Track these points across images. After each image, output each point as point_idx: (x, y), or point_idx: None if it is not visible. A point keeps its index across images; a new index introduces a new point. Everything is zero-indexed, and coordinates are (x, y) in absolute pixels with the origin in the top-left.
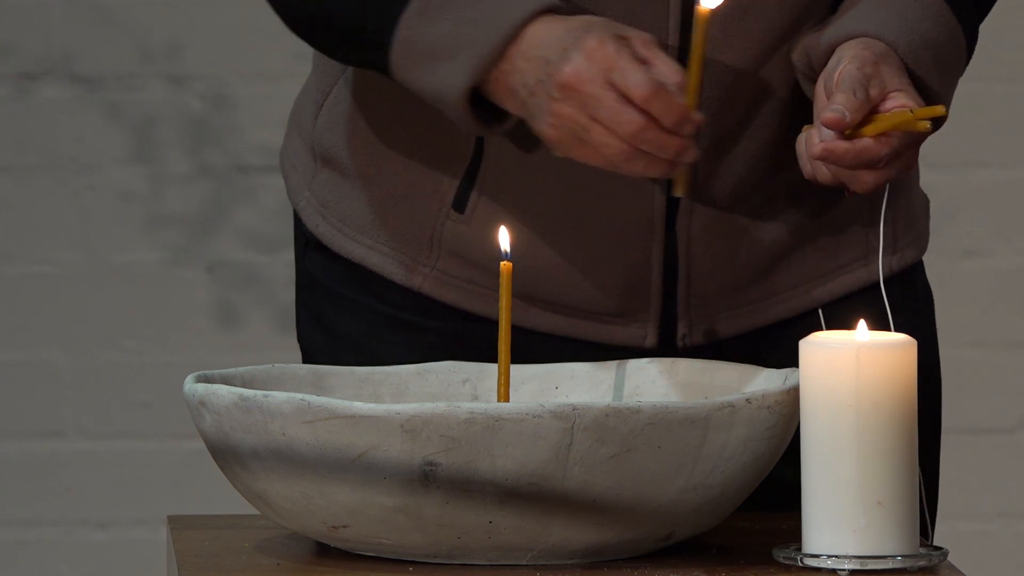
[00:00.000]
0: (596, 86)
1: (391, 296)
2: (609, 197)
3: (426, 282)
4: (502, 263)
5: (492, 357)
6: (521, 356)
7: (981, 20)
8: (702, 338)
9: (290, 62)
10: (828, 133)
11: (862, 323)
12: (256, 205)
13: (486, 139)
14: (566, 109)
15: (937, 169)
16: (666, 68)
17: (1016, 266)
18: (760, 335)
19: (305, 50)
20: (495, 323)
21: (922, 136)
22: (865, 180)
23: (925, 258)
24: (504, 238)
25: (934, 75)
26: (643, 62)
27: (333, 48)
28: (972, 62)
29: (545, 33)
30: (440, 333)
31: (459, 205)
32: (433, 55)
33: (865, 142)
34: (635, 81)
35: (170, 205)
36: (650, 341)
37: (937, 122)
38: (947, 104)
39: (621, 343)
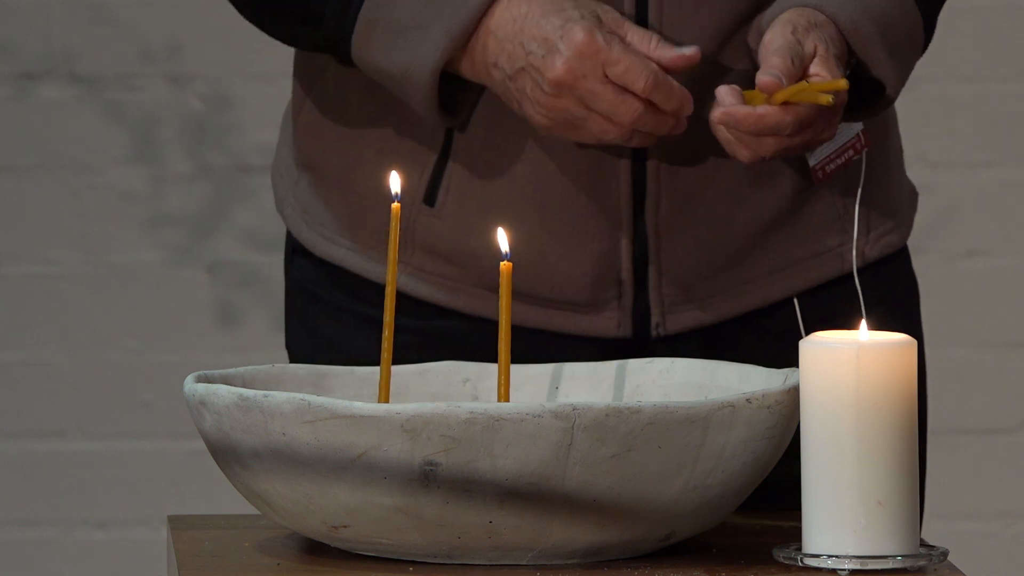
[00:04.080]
0: (593, 82)
1: (368, 296)
2: (574, 187)
3: (401, 279)
4: (502, 263)
5: (464, 353)
6: (495, 350)
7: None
8: (676, 327)
9: (290, 62)
10: (728, 100)
11: (863, 323)
12: (256, 205)
13: (455, 133)
14: (561, 103)
15: (937, 169)
16: (642, 37)
17: (1016, 266)
18: (736, 324)
19: None
20: (468, 318)
21: (835, 107)
22: (768, 145)
23: (925, 258)
24: (503, 239)
25: (878, 48)
26: (622, 38)
27: (286, 31)
28: (974, 63)
29: (517, 12)
30: (415, 331)
31: (430, 199)
32: (401, 32)
33: (765, 108)
34: (634, 76)
35: (170, 205)
36: (623, 331)
37: (878, 100)
38: (901, 82)
39: (595, 334)
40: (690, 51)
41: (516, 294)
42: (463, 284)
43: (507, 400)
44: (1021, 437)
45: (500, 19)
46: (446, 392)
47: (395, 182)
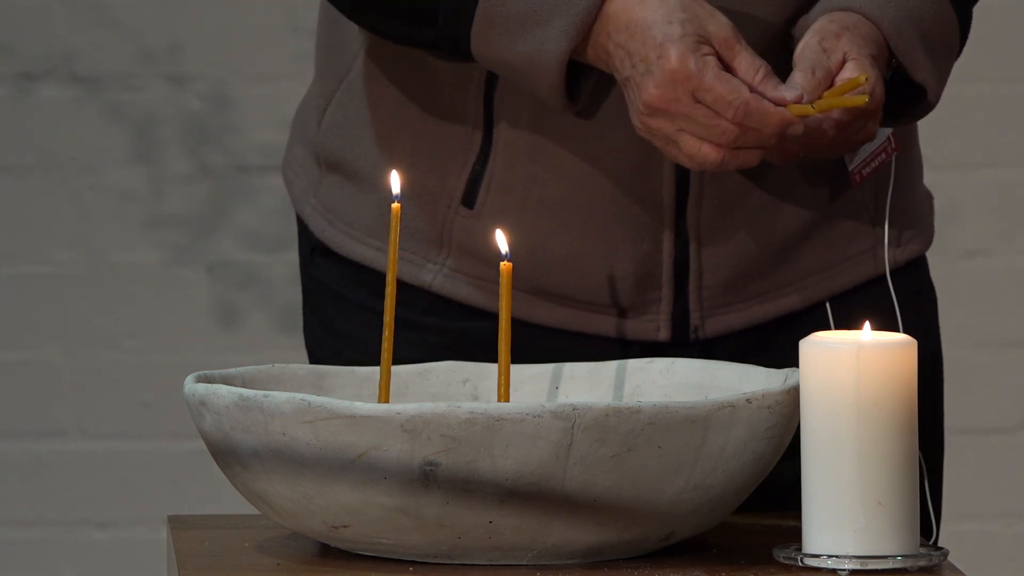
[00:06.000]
0: (684, 106)
1: (398, 296)
2: (619, 188)
3: (436, 279)
4: (502, 264)
5: (496, 353)
6: (533, 353)
7: (973, 1)
8: (714, 330)
9: (290, 62)
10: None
11: (867, 324)
12: (256, 205)
13: (495, 133)
14: (656, 122)
15: (940, 169)
16: (749, 67)
17: (1018, 266)
18: (771, 327)
19: (305, 50)
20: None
21: (872, 108)
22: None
23: (927, 257)
24: (502, 240)
25: (919, 51)
26: (727, 64)
27: (396, 30)
28: (974, 63)
29: (631, 11)
30: (446, 332)
31: (468, 200)
32: (522, 23)
33: (809, 124)
34: (725, 103)
35: (170, 205)
36: (663, 334)
37: (919, 104)
38: (942, 84)
39: (634, 337)
40: (794, 94)
41: (555, 297)
42: (499, 285)
43: (507, 400)
44: (1021, 437)
45: (616, 14)
46: (446, 392)
47: (395, 182)
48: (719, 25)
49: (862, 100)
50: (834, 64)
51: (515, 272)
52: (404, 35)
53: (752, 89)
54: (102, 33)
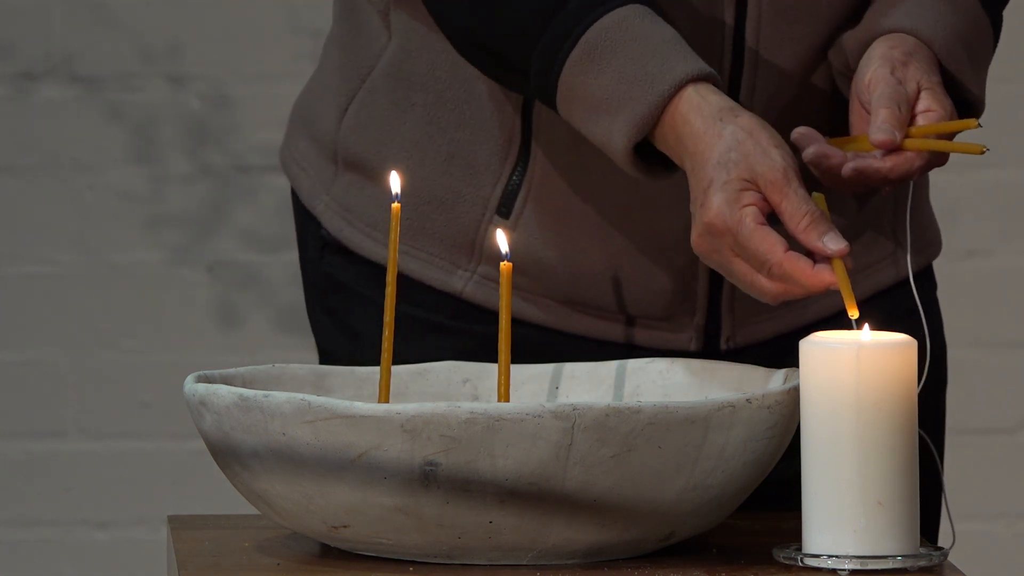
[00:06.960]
0: (725, 257)
1: (421, 299)
2: (657, 201)
3: (467, 287)
4: (502, 264)
5: (529, 360)
6: (561, 361)
7: (1004, 5)
8: (744, 341)
9: (290, 62)
10: (811, 146)
11: (866, 324)
12: (256, 205)
13: (533, 143)
14: (708, 263)
15: (939, 169)
16: (795, 212)
17: (1017, 266)
18: (798, 336)
19: (305, 50)
20: (533, 326)
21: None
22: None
23: None
24: (502, 239)
25: (967, 69)
26: (775, 206)
27: (500, 76)
28: None
29: (694, 115)
30: (476, 336)
31: (504, 210)
32: (594, 107)
33: (898, 160)
34: (758, 262)
35: (170, 205)
36: (695, 345)
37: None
38: (982, 96)
39: (666, 348)
40: (838, 248)
41: (591, 307)
42: (532, 294)
43: (507, 400)
44: (1021, 437)
45: (678, 123)
46: (446, 392)
47: (395, 182)
48: (770, 166)
49: (980, 149)
50: (911, 94)
51: (550, 282)
52: (507, 82)
53: (795, 236)
54: (102, 33)
